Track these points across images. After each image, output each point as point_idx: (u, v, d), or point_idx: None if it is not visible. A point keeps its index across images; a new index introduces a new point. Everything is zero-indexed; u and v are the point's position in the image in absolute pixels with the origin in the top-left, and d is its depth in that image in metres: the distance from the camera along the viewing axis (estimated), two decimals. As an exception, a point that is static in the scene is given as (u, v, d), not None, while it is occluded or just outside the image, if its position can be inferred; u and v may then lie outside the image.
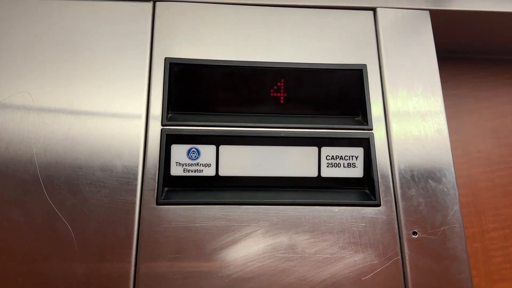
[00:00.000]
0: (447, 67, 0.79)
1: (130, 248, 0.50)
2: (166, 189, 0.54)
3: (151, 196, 0.52)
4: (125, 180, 0.52)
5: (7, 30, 0.58)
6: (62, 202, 0.51)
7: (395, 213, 0.54)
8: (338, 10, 0.64)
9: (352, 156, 0.57)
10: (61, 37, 0.58)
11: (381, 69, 0.61)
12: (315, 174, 0.57)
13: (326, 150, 0.57)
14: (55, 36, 0.58)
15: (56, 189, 0.51)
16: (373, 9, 0.64)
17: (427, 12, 0.65)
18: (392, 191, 0.55)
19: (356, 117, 0.60)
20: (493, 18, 0.67)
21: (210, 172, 0.55)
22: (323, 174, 0.57)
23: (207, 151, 0.56)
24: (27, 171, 0.52)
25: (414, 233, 0.53)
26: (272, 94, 0.60)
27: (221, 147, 0.56)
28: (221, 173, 0.55)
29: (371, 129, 0.58)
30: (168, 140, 0.55)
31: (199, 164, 0.55)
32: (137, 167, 0.53)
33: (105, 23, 0.60)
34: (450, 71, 0.80)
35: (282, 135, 0.56)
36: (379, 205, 0.54)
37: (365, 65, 0.60)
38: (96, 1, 0.61)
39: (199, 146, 0.56)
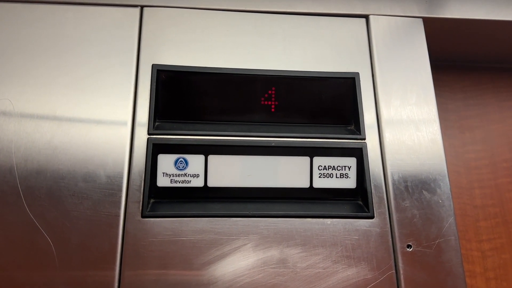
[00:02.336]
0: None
1: (114, 263, 0.47)
2: (152, 201, 0.51)
3: (136, 208, 0.50)
4: (109, 191, 0.50)
5: (-12, 35, 0.56)
6: (43, 214, 0.48)
7: (389, 226, 0.52)
8: (330, 17, 0.62)
9: (345, 166, 0.56)
10: (46, 43, 0.56)
11: (374, 77, 0.59)
12: (307, 185, 0.55)
13: (318, 160, 0.56)
14: (39, 42, 0.56)
15: (36, 201, 0.49)
16: (366, 17, 0.63)
17: (421, 20, 0.64)
18: (385, 202, 0.54)
19: (349, 126, 0.59)
20: (487, 26, 0.67)
21: (198, 183, 0.53)
22: (315, 185, 0.55)
23: (195, 161, 0.54)
24: (6, 182, 0.49)
25: (409, 246, 0.52)
26: (262, 103, 0.58)
27: (210, 157, 0.54)
28: (209, 184, 0.53)
29: (364, 139, 0.56)
30: (155, 149, 0.53)
31: (186, 174, 0.53)
32: (121, 177, 0.51)
33: (91, 28, 0.58)
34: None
35: (273, 144, 0.55)
36: (372, 217, 0.52)
37: (357, 73, 0.59)
38: (82, 6, 0.59)
39: (187, 156, 0.54)
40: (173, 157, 0.53)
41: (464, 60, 0.78)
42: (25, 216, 0.48)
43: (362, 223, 0.52)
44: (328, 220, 0.52)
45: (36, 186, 0.49)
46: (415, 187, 0.54)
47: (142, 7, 0.59)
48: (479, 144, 0.75)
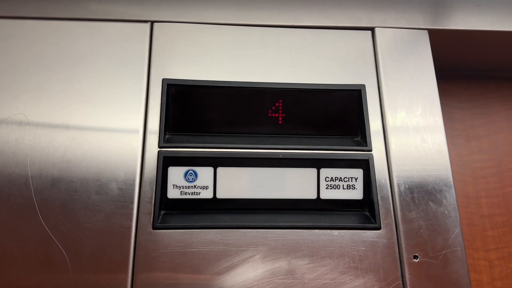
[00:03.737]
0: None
1: (126, 274, 0.49)
2: (162, 212, 0.53)
3: (147, 220, 0.51)
4: (121, 203, 0.51)
5: (3, 51, 0.58)
6: (57, 226, 0.50)
7: (395, 237, 0.53)
8: (336, 30, 0.63)
9: (352, 178, 0.57)
10: (58, 57, 0.58)
11: (380, 89, 0.60)
12: (314, 196, 0.56)
13: (325, 172, 0.56)
14: (52, 57, 0.58)
15: (51, 213, 0.50)
16: (372, 29, 0.64)
17: (426, 31, 0.64)
18: (392, 213, 0.54)
19: (355, 138, 0.60)
20: (492, 37, 0.67)
21: (207, 194, 0.54)
22: (322, 196, 0.56)
23: (204, 173, 0.55)
24: (22, 195, 0.51)
25: (415, 257, 0.52)
26: (270, 115, 0.59)
27: (219, 169, 0.55)
28: (218, 196, 0.55)
29: (371, 150, 0.57)
30: (165, 162, 0.54)
31: (196, 186, 0.54)
32: (133, 190, 0.52)
33: (102, 43, 0.59)
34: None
35: (281, 156, 0.56)
36: (379, 228, 0.53)
37: (363, 85, 0.60)
38: (94, 21, 0.61)
39: (196, 168, 0.55)
40: (183, 169, 0.55)
41: (470, 69, 0.78)
42: (40, 228, 0.50)
43: (369, 234, 0.53)
44: (336, 232, 0.53)
45: (50, 198, 0.51)
46: (421, 198, 0.55)
47: (152, 22, 0.61)
48: (485, 153, 0.76)
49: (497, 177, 0.76)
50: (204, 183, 0.55)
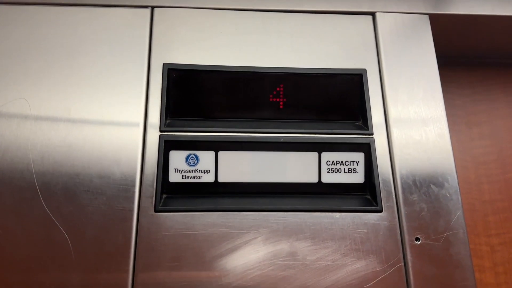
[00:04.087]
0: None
1: (128, 257, 0.49)
2: (164, 196, 0.53)
3: (149, 203, 0.51)
4: (123, 187, 0.51)
5: (4, 37, 0.58)
6: (59, 209, 0.50)
7: (397, 219, 0.53)
8: (337, 15, 0.63)
9: (353, 161, 0.57)
10: (58, 43, 0.58)
11: (381, 74, 0.60)
12: (315, 180, 0.56)
13: (327, 155, 0.56)
14: (53, 43, 0.58)
15: (53, 197, 0.50)
16: (372, 14, 0.64)
17: (427, 16, 0.64)
18: (394, 196, 0.54)
19: (357, 122, 0.59)
20: (493, 22, 0.67)
21: (209, 178, 0.54)
22: (324, 180, 0.56)
23: (206, 157, 0.55)
24: (24, 178, 0.51)
25: (417, 239, 0.52)
26: (271, 99, 0.59)
27: (220, 153, 0.55)
28: (220, 180, 0.55)
29: (372, 134, 0.57)
30: (167, 146, 0.54)
31: (197, 170, 0.54)
32: (135, 174, 0.52)
33: (102, 29, 0.59)
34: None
35: (282, 140, 0.56)
36: (381, 211, 0.53)
37: (365, 70, 0.60)
38: (94, 7, 0.61)
39: (197, 152, 0.55)
40: (184, 153, 0.55)
41: (471, 55, 0.78)
42: (41, 211, 0.50)
43: (370, 217, 0.53)
44: (337, 214, 0.53)
45: (52, 182, 0.51)
46: (423, 181, 0.55)
47: (152, 7, 0.61)
48: (487, 139, 0.76)
49: (498, 163, 0.76)
50: (205, 167, 0.55)
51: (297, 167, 0.56)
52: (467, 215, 0.72)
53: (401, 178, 0.55)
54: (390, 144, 0.57)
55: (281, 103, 0.59)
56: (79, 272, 0.48)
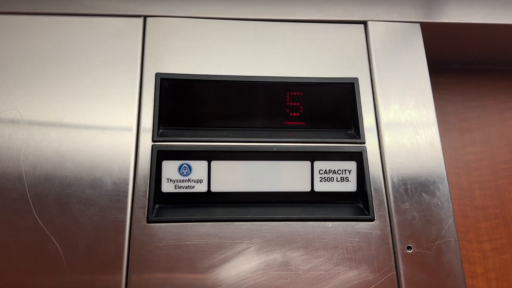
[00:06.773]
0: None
1: (120, 268, 0.49)
2: (157, 206, 0.53)
3: (142, 213, 0.51)
4: (115, 197, 0.51)
5: (-4, 47, 0.58)
6: (51, 220, 0.50)
7: (389, 228, 0.53)
8: (330, 24, 0.64)
9: (345, 170, 0.57)
10: (52, 53, 0.58)
11: (373, 82, 0.60)
12: (308, 189, 0.56)
13: (319, 164, 0.57)
14: (46, 52, 0.58)
15: (45, 208, 0.50)
16: (364, 23, 0.64)
17: (418, 25, 0.65)
18: (386, 205, 0.55)
19: (349, 130, 0.60)
20: (485, 30, 0.68)
21: (201, 188, 0.55)
22: (316, 189, 0.56)
23: (198, 167, 0.55)
24: (16, 189, 0.51)
25: (409, 247, 0.53)
26: (264, 109, 0.59)
27: (213, 163, 0.55)
28: (213, 189, 0.55)
29: (364, 143, 0.57)
30: (159, 156, 0.54)
31: (190, 180, 0.54)
32: (127, 184, 0.52)
33: (95, 38, 0.59)
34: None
35: (275, 149, 0.56)
36: (373, 220, 0.53)
37: (356, 79, 0.60)
38: (87, 16, 0.61)
39: (190, 162, 0.55)
40: (177, 163, 0.55)
41: (463, 62, 0.79)
42: (34, 222, 0.50)
43: (362, 226, 0.53)
44: (329, 223, 0.53)
45: (44, 193, 0.51)
46: (415, 190, 0.55)
47: (145, 17, 0.61)
48: (479, 145, 0.76)
49: (490, 169, 0.76)
50: (198, 176, 0.55)
51: (290, 176, 0.56)
52: (459, 221, 0.73)
53: (393, 187, 0.55)
54: (382, 153, 0.57)
55: (273, 112, 0.59)
56: (71, 283, 0.48)
